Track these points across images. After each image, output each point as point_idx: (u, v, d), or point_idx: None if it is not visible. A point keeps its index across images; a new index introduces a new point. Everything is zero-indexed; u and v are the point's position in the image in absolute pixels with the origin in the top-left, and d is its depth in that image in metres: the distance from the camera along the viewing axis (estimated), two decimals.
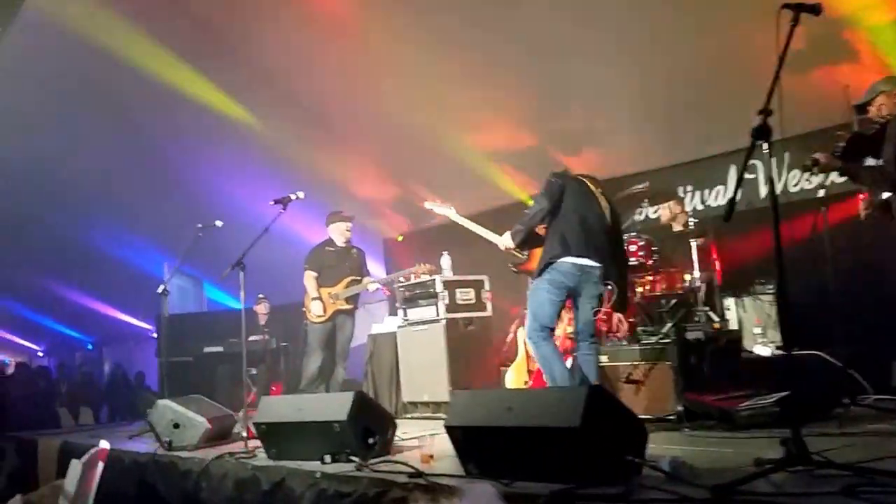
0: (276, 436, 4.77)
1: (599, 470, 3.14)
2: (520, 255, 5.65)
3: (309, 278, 7.64)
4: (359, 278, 7.62)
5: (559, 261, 5.15)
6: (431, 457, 4.12)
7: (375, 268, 11.42)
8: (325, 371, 7.63)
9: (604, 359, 5.92)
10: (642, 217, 7.77)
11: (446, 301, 6.95)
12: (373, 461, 4.20)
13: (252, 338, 9.49)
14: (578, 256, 5.17)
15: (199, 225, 7.12)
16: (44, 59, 8.94)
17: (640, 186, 7.08)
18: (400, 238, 11.61)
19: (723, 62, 7.42)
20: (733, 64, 7.37)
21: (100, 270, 14.48)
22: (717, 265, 6.93)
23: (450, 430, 3.58)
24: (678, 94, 7.86)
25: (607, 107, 8.35)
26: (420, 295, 7.16)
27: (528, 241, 5.46)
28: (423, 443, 4.19)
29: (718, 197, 8.35)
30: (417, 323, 7.15)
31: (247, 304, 10.72)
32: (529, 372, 6.40)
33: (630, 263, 6.81)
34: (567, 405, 3.21)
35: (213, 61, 8.99)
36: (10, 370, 18.45)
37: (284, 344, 9.23)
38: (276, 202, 5.80)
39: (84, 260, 14.04)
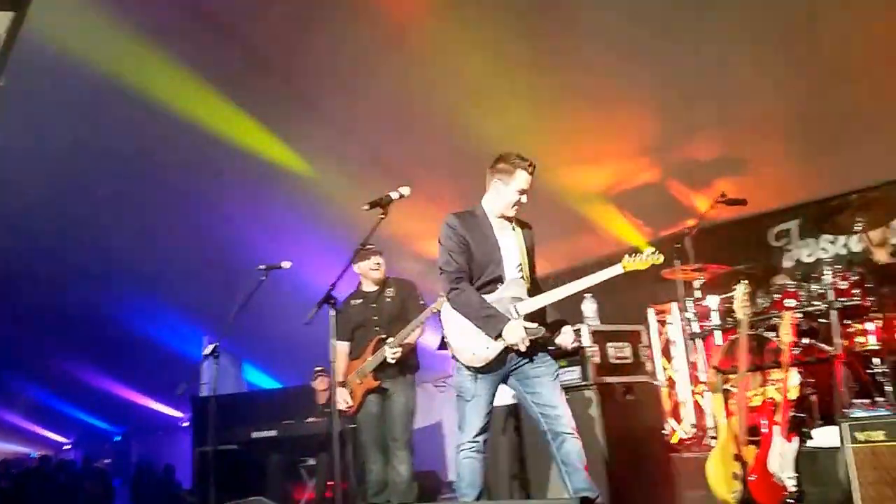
0: None
1: None
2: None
3: (339, 355, 4.95)
4: (385, 336, 4.96)
5: None
6: None
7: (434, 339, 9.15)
8: None
9: (880, 436, 3.62)
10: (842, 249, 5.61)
11: (596, 360, 4.67)
12: None
13: (310, 419, 7.21)
14: None
15: (262, 266, 5.10)
16: (54, 97, 6.89)
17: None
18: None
19: None
20: None
21: (128, 352, 12.39)
22: None
23: None
24: (840, 109, 5.81)
25: (751, 129, 6.29)
26: (553, 353, 4.87)
27: None
28: None
29: None
30: None
31: (301, 381, 8.68)
32: (740, 461, 4.07)
33: (845, 304, 4.70)
34: None
35: (259, 97, 6.98)
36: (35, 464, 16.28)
37: (352, 426, 6.87)
38: (373, 205, 3.91)
39: (111, 340, 11.96)
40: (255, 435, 7.26)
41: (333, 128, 7.10)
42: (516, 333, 3.50)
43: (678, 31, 5.63)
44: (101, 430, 20.32)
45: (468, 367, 3.68)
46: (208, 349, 5.15)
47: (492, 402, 3.76)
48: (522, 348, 3.52)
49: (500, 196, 3.74)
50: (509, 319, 3.54)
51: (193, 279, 9.62)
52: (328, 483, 6.99)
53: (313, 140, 7.37)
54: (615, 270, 3.62)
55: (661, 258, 3.68)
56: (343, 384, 5.05)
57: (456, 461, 3.81)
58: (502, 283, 3.69)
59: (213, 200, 8.23)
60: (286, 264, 5.10)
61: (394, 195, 3.90)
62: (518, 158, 3.74)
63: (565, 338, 3.90)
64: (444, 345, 3.87)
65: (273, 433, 7.18)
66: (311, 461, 7.27)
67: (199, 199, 8.21)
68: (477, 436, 3.71)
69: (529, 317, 3.65)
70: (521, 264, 3.75)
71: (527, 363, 3.70)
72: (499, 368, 3.69)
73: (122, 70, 6.40)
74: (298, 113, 7.00)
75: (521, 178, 3.70)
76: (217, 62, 6.49)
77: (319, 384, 7.63)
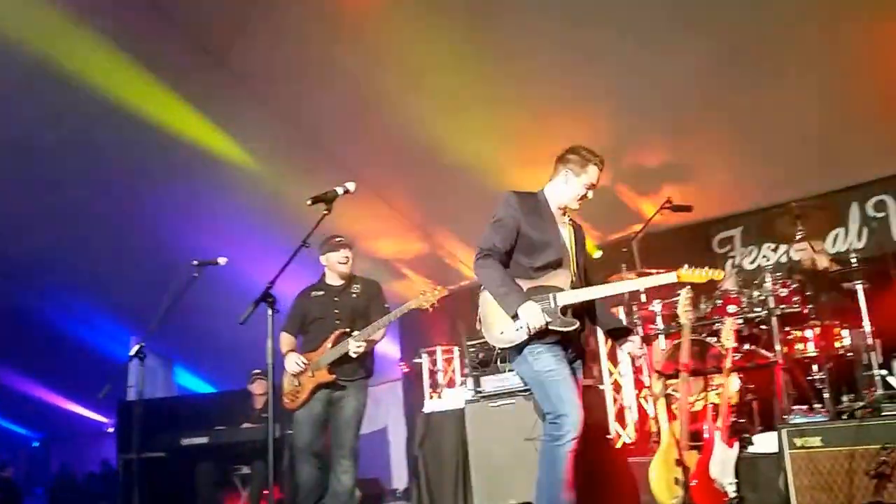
0: None
1: None
2: None
3: (282, 345, 4.99)
4: (349, 330, 4.83)
5: None
6: None
7: (389, 346, 9.07)
8: (326, 477, 4.97)
9: (817, 442, 3.78)
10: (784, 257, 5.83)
11: None
12: None
13: (245, 426, 7.08)
14: None
15: (195, 262, 4.92)
16: None
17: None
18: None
19: (848, 83, 5.64)
20: (858, 84, 5.62)
21: (49, 352, 11.82)
22: None
23: None
24: (782, 121, 6.03)
25: (697, 137, 6.46)
26: (501, 356, 4.95)
27: None
28: None
29: (837, 242, 6.38)
30: (498, 395, 4.92)
31: (236, 385, 8.51)
32: (682, 466, 4.19)
33: (785, 311, 4.93)
34: None
35: (200, 85, 6.81)
36: None
37: (290, 433, 6.81)
38: (316, 200, 3.83)
39: (30, 339, 11.37)
40: (185, 442, 6.99)
41: (279, 120, 6.98)
42: (532, 314, 3.38)
43: (629, 40, 5.69)
44: (17, 435, 19.54)
45: (541, 344, 3.47)
46: (134, 350, 4.99)
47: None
48: (529, 329, 3.37)
49: (569, 187, 3.67)
50: (528, 299, 3.41)
51: (122, 275, 9.26)
52: (263, 492, 6.89)
53: (256, 131, 7.20)
54: (669, 278, 3.57)
55: (722, 274, 3.62)
56: (293, 351, 4.94)
57: (557, 455, 3.41)
58: (560, 268, 3.57)
59: (145, 191, 7.92)
60: (222, 260, 4.92)
61: (339, 190, 3.83)
62: (589, 153, 3.70)
63: (632, 347, 3.79)
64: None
65: (204, 440, 6.95)
66: (246, 469, 7.11)
67: (131, 190, 7.90)
68: (580, 422, 3.39)
69: (573, 310, 3.51)
70: (571, 258, 3.66)
71: (577, 359, 3.65)
72: (565, 349, 3.53)
73: (51, 52, 6.12)
74: (241, 102, 6.81)
75: (593, 173, 3.67)
76: (154, 46, 6.27)
77: (257, 388, 7.48)
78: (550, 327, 3.44)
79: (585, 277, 3.75)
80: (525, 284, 3.52)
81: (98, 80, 6.44)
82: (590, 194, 3.70)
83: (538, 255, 3.58)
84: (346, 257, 5.02)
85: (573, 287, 3.57)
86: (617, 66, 5.96)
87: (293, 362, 4.84)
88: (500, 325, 3.54)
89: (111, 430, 13.75)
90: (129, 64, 6.30)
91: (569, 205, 3.72)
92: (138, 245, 8.56)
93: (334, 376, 4.80)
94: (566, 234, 3.71)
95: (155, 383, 10.59)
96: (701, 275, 3.53)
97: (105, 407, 13.24)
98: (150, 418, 6.88)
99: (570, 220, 3.79)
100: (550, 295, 3.50)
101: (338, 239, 5.03)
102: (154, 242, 8.45)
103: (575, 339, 3.61)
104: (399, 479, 8.48)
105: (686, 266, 3.54)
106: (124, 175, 7.68)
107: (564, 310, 3.50)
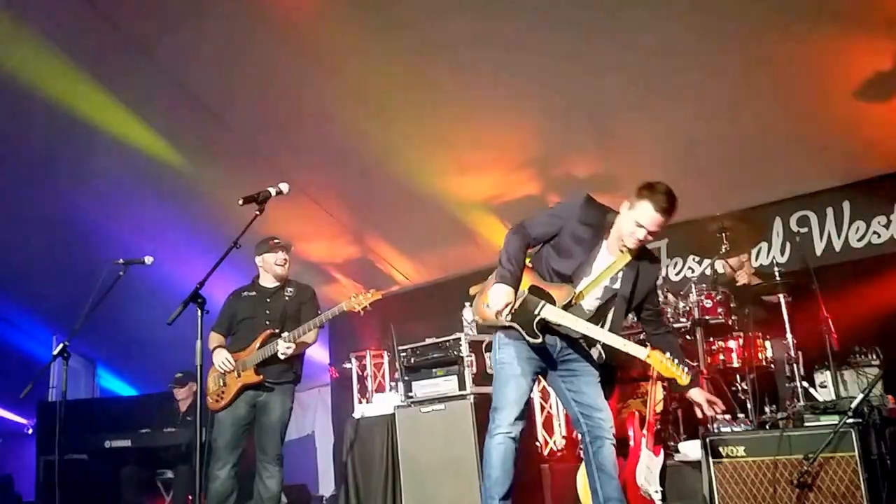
0: None
1: None
2: None
3: (211, 342, 4.86)
4: (278, 331, 4.72)
5: None
6: None
7: (318, 350, 8.82)
8: (242, 483, 4.82)
9: (741, 451, 3.78)
10: (708, 269, 5.86)
11: (474, 370, 4.65)
12: None
13: (168, 429, 6.80)
14: None
15: (121, 260, 4.76)
16: None
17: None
18: None
19: (772, 99, 5.71)
20: (783, 100, 5.70)
21: None
22: (832, 326, 4.92)
23: None
24: (711, 135, 6.08)
25: (626, 149, 6.48)
26: (432, 361, 4.84)
27: None
28: None
29: (761, 256, 6.46)
30: (429, 401, 4.80)
31: (160, 388, 8.18)
32: None
33: (710, 322, 4.98)
34: None
35: (128, 79, 6.45)
36: None
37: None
38: (248, 200, 3.73)
39: None
40: (107, 444, 6.81)
41: (209, 119, 6.69)
42: (499, 297, 3.24)
43: (558, 53, 5.63)
44: None
45: (509, 338, 3.41)
46: (57, 349, 4.73)
47: (531, 388, 3.47)
48: (493, 310, 3.25)
49: (621, 219, 3.35)
50: (511, 287, 3.25)
51: (44, 272, 8.77)
52: (187, 497, 6.65)
53: (186, 130, 6.90)
54: (640, 353, 3.25)
55: (687, 381, 3.25)
56: (222, 347, 4.79)
57: (487, 447, 3.45)
58: (568, 284, 3.38)
59: (69, 187, 7.50)
60: (148, 259, 4.77)
61: (272, 191, 3.74)
62: (651, 189, 3.30)
63: (696, 395, 3.54)
64: None
65: (127, 443, 6.75)
66: (169, 474, 6.88)
67: (54, 186, 7.47)
68: (515, 420, 3.40)
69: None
70: (592, 286, 3.38)
71: (573, 357, 3.48)
72: (540, 350, 3.38)
73: None
74: (170, 99, 6.53)
75: (643, 211, 3.27)
76: (83, 37, 5.94)
77: (181, 392, 7.22)
78: (511, 324, 3.34)
79: (638, 318, 3.62)
80: (536, 279, 3.42)
81: (22, 71, 6.05)
82: (639, 234, 3.28)
83: (558, 260, 3.43)
84: (284, 259, 4.93)
85: (567, 309, 3.34)
86: (546, 80, 5.89)
87: (221, 359, 4.70)
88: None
89: (30, 431, 13.14)
90: (54, 55, 5.95)
91: (622, 238, 3.34)
92: (62, 242, 8.11)
93: (261, 377, 4.65)
94: (603, 261, 3.42)
95: (77, 385, 10.14)
96: (668, 368, 3.20)
97: (25, 408, 12.60)
98: (73, 420, 6.61)
99: (630, 252, 3.37)
100: (542, 302, 3.35)
101: (276, 240, 4.93)
102: (78, 240, 8.03)
103: (545, 352, 3.44)
104: (326, 485, 8.28)
105: (662, 353, 3.22)
106: (46, 170, 7.27)
107: (542, 322, 3.33)
